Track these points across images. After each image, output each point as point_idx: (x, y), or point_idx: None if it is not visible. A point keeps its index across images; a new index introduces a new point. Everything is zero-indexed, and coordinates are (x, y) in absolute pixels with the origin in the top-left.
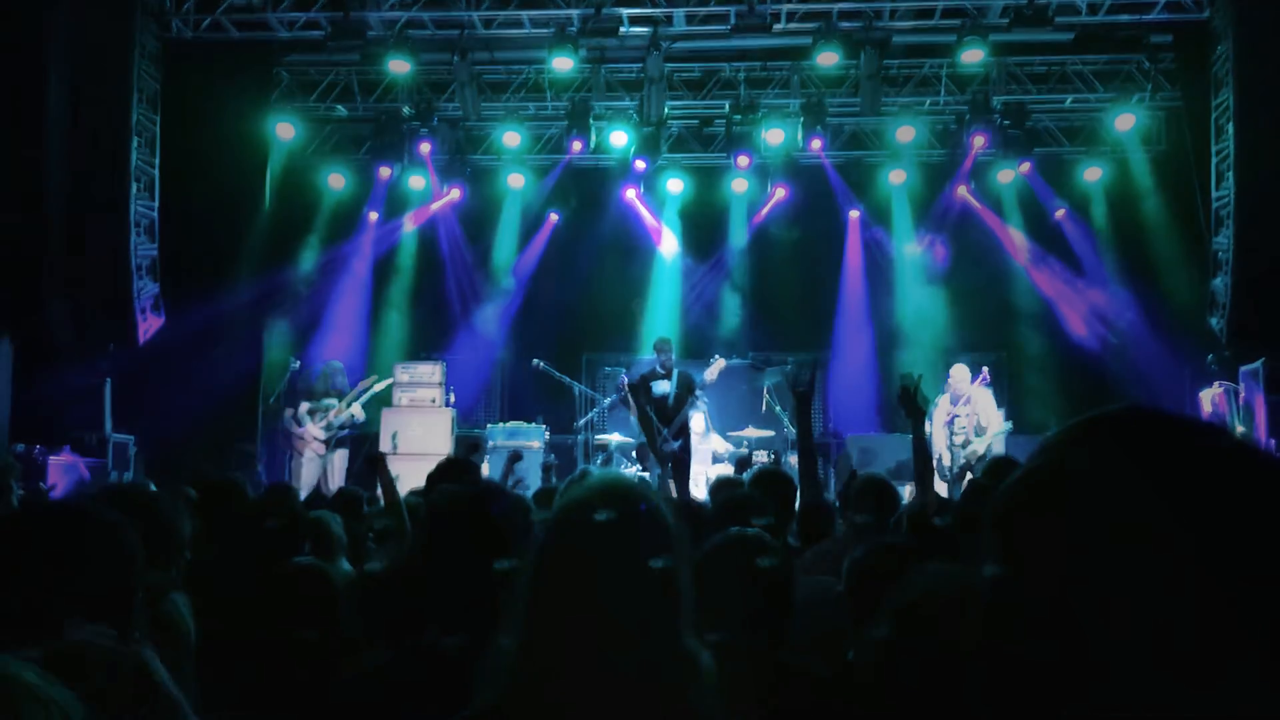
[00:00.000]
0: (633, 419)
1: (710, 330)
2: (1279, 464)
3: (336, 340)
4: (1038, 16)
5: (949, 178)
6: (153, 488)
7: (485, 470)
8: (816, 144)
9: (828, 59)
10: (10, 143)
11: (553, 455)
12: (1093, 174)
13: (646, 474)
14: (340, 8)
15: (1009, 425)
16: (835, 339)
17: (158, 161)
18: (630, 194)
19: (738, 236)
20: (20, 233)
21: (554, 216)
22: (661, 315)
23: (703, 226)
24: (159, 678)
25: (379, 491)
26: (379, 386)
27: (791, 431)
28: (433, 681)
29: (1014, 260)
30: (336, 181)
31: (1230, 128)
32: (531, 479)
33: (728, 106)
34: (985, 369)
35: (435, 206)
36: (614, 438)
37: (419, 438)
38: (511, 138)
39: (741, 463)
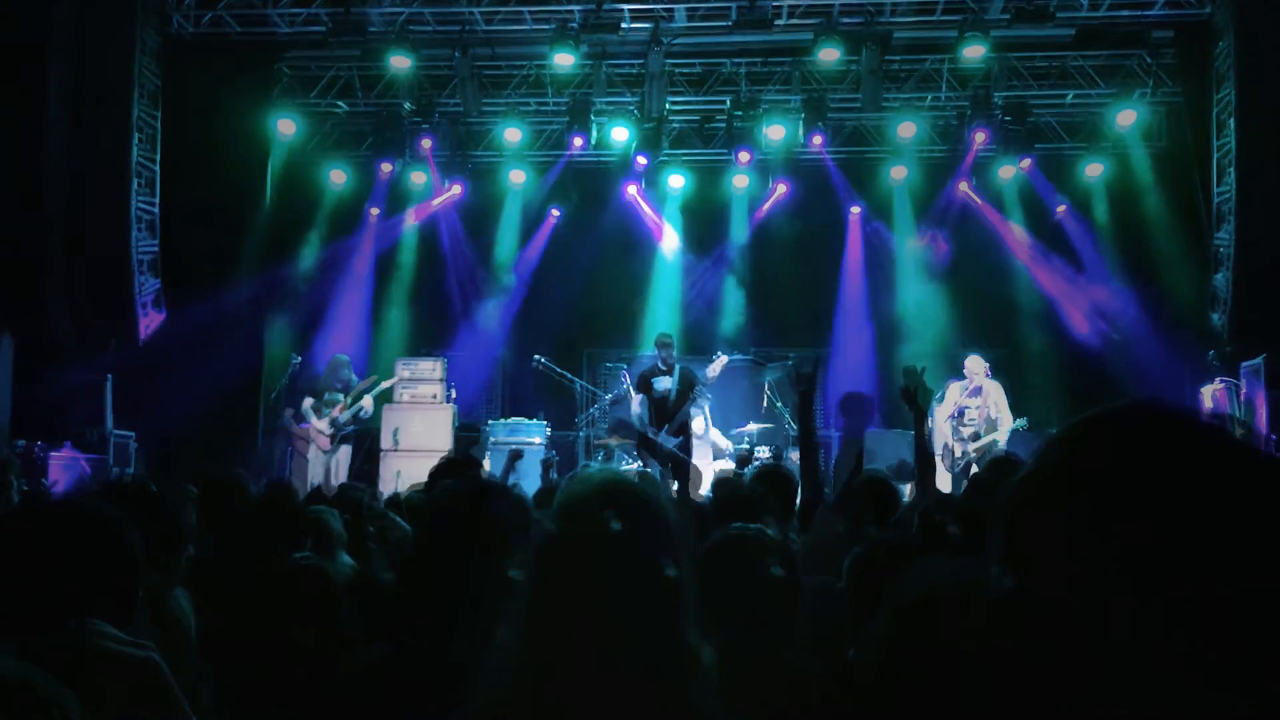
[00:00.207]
0: (634, 413)
1: (711, 326)
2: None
3: (338, 336)
4: (1039, 12)
5: (950, 174)
6: (153, 488)
7: (486, 465)
8: (817, 140)
9: (829, 55)
10: (11, 140)
11: (553, 452)
12: (1094, 170)
13: (648, 469)
14: (341, 4)
15: (1023, 421)
16: (836, 335)
17: (159, 158)
18: (631, 190)
19: (739, 233)
20: (21, 230)
21: (555, 213)
22: (662, 312)
23: (704, 223)
24: (168, 681)
25: (380, 489)
26: (385, 384)
27: (793, 427)
28: (432, 680)
29: (1015, 257)
30: (337, 178)
31: (1231, 123)
32: (531, 476)
33: (729, 103)
34: (986, 365)
35: (436, 203)
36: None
37: (420, 434)
38: (513, 134)
39: (743, 459)
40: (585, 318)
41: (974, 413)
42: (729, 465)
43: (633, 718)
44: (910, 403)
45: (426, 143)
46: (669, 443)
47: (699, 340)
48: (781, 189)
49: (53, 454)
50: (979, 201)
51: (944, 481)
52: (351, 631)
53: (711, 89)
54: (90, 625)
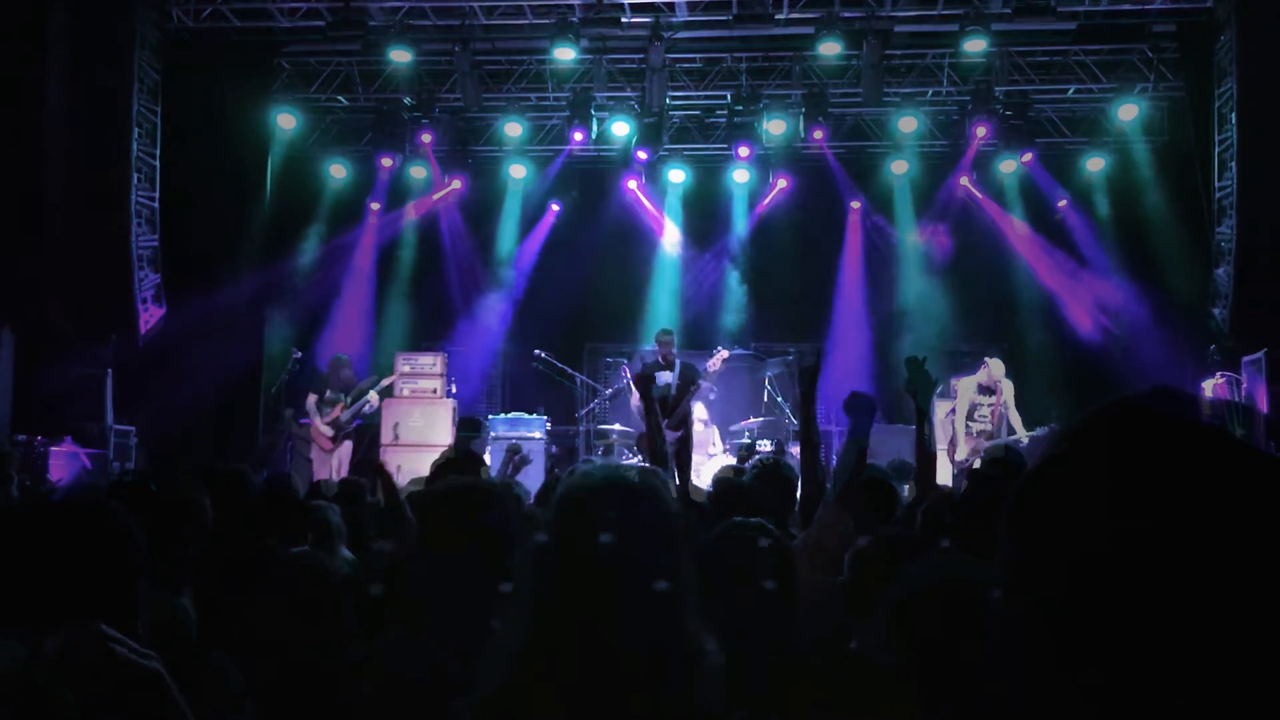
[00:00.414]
0: (634, 407)
1: (712, 321)
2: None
3: (338, 331)
4: (1040, 6)
5: (951, 168)
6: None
7: (488, 459)
8: (818, 135)
9: (830, 49)
10: (11, 134)
11: (554, 446)
12: (1095, 165)
13: (648, 464)
14: None
15: (1044, 430)
16: (836, 330)
17: (158, 152)
18: (632, 185)
19: (739, 227)
20: (21, 224)
21: (555, 207)
22: (663, 307)
23: (704, 218)
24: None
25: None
26: (386, 382)
27: (793, 422)
28: (431, 675)
29: (1016, 251)
30: (338, 172)
31: (1233, 118)
32: (533, 473)
33: (729, 97)
34: (1005, 368)
35: (437, 197)
36: (615, 427)
37: (420, 428)
38: (513, 128)
39: (743, 453)
40: (585, 312)
41: (986, 410)
42: (730, 459)
43: (635, 713)
44: (914, 397)
45: (427, 137)
46: (668, 437)
47: (699, 334)
48: (782, 184)
49: (53, 449)
50: (980, 196)
51: (944, 475)
52: (349, 624)
53: (712, 83)
54: (94, 628)
